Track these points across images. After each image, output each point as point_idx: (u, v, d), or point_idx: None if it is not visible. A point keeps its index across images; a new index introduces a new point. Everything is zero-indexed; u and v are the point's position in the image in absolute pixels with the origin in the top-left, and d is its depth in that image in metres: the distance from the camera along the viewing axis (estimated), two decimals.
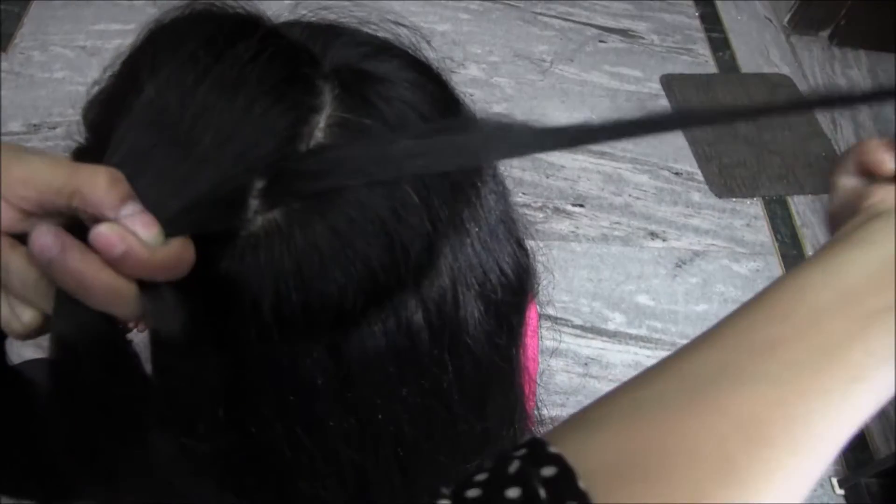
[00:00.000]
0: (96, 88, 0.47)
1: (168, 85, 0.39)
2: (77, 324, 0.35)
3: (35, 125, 2.21)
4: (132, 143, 0.38)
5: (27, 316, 0.37)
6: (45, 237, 0.34)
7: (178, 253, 0.35)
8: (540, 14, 2.78)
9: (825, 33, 2.84)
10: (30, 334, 0.38)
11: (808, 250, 2.22)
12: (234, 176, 0.38)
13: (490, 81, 2.47)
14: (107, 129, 0.40)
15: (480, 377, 0.47)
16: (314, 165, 0.39)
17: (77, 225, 0.35)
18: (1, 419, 0.43)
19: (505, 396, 0.53)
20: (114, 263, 0.34)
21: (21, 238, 0.36)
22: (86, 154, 0.42)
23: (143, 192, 0.35)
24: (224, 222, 0.38)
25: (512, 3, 2.80)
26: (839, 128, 2.54)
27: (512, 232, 0.48)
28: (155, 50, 0.43)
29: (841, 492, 1.79)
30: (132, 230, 0.34)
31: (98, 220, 0.34)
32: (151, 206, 0.35)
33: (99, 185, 0.35)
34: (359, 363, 0.41)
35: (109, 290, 0.34)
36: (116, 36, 2.46)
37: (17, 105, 2.24)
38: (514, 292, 0.47)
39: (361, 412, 0.43)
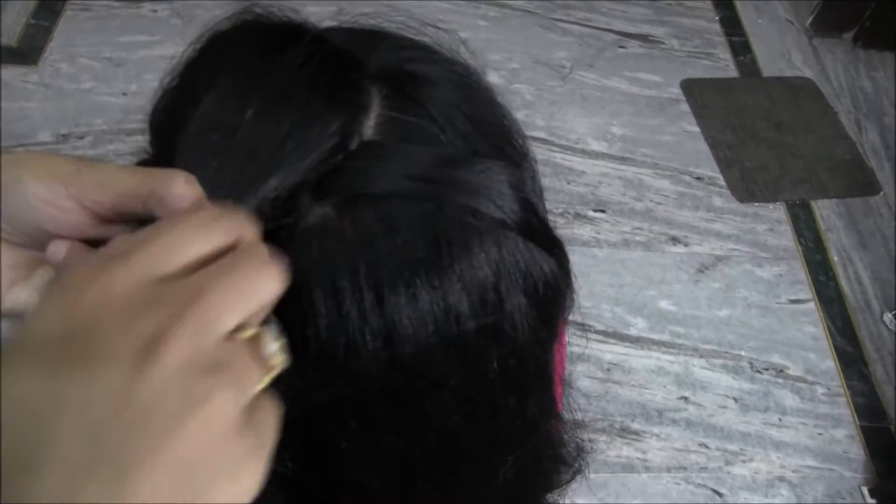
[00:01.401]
0: (156, 99, 0.49)
1: (225, 94, 0.42)
2: None
3: (63, 135, 2.24)
4: (196, 151, 0.40)
5: None
6: None
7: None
8: (559, 20, 2.78)
9: (849, 35, 2.82)
10: None
11: (833, 254, 2.21)
12: (295, 174, 0.40)
13: (510, 88, 2.47)
14: (170, 140, 0.42)
15: (522, 369, 0.48)
16: (365, 161, 0.41)
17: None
18: None
19: (544, 390, 0.53)
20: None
21: (92, 244, 0.38)
22: (152, 164, 0.44)
23: (210, 197, 0.37)
24: (280, 219, 0.40)
25: (530, 9, 2.80)
26: (864, 130, 2.52)
27: (549, 229, 0.49)
28: (209, 61, 0.46)
29: (873, 501, 1.77)
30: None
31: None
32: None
33: (176, 186, 0.36)
34: (410, 352, 0.42)
35: None
36: (141, 47, 2.50)
37: (46, 116, 2.28)
38: (554, 286, 0.48)
39: (410, 401, 0.44)
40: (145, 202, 0.36)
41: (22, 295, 0.41)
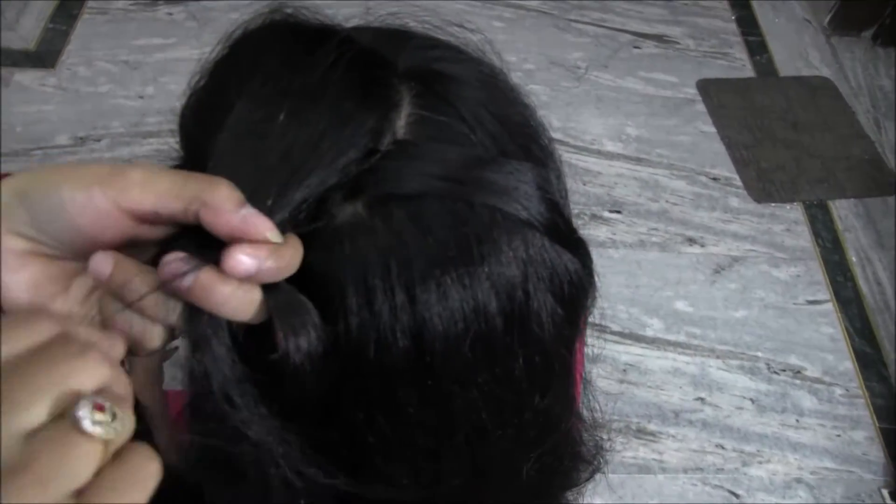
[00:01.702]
0: (185, 99, 0.49)
1: (257, 96, 0.42)
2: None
3: (81, 138, 2.25)
4: (231, 154, 0.41)
5: (157, 332, 0.40)
6: (175, 264, 0.37)
7: (295, 253, 0.38)
8: (574, 21, 2.77)
9: (868, 33, 2.80)
10: (160, 349, 0.41)
11: (851, 255, 2.19)
12: (331, 174, 0.40)
13: (525, 89, 2.43)
14: (202, 142, 0.43)
15: (547, 367, 0.48)
16: (397, 160, 0.42)
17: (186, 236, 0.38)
18: None
19: (567, 388, 0.54)
20: (253, 280, 0.37)
21: (132, 244, 0.39)
22: (185, 168, 0.44)
23: (248, 200, 0.38)
24: (313, 218, 0.41)
25: (545, 10, 2.80)
26: (883, 129, 2.50)
27: (574, 229, 0.50)
28: (240, 63, 0.47)
29: (892, 503, 1.76)
30: (256, 227, 0.37)
31: (214, 228, 0.37)
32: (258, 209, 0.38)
33: (222, 190, 0.37)
34: (440, 350, 0.43)
35: (241, 303, 0.37)
36: (157, 50, 2.51)
37: (64, 119, 2.30)
38: (578, 285, 0.48)
39: (439, 398, 0.45)
40: (188, 205, 0.37)
41: (63, 309, 0.41)
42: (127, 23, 2.60)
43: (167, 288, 0.37)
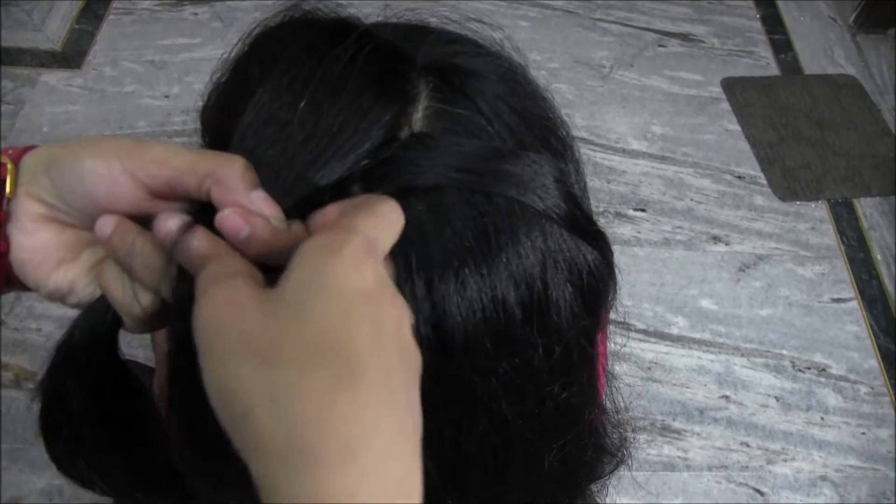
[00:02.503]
0: (206, 94, 0.50)
1: (277, 88, 0.43)
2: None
3: None
4: (250, 141, 0.41)
5: (146, 300, 0.40)
6: (171, 221, 0.38)
7: (299, 237, 0.38)
8: (599, 20, 2.77)
9: (893, 31, 2.78)
10: (145, 322, 0.41)
11: (876, 253, 2.18)
12: (348, 164, 0.41)
13: (550, 88, 2.40)
14: (223, 133, 0.44)
15: (567, 357, 0.49)
16: (414, 151, 0.42)
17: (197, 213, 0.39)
18: (115, 412, 0.45)
19: (588, 379, 0.54)
20: (239, 246, 0.37)
21: (142, 223, 0.40)
22: None
23: (265, 185, 0.39)
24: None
25: (571, 9, 2.80)
26: None
27: (593, 221, 0.50)
28: (262, 56, 0.47)
29: None
30: (261, 211, 0.37)
31: (222, 205, 0.38)
32: (272, 195, 0.39)
33: (235, 168, 0.38)
34: (460, 340, 0.43)
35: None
36: (183, 50, 2.54)
37: (90, 119, 2.32)
38: (598, 277, 0.49)
39: (461, 388, 0.45)
40: (202, 181, 0.38)
41: (68, 275, 0.42)
42: (152, 23, 2.63)
43: (163, 246, 0.38)
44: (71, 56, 2.50)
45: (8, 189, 0.40)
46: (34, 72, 2.44)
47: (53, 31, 2.57)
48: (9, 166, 0.40)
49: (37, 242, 0.41)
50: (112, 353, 0.44)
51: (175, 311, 0.39)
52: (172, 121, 2.32)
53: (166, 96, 2.40)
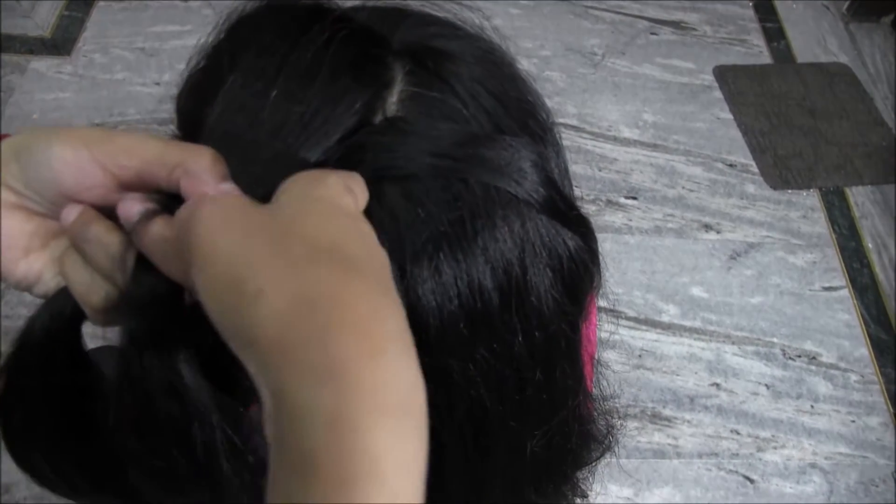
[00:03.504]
0: (182, 81, 0.50)
1: (250, 75, 0.42)
2: (150, 293, 0.37)
3: (97, 125, 2.26)
4: (222, 130, 0.41)
5: (105, 289, 0.39)
6: (133, 204, 0.37)
7: None
8: (591, 7, 2.77)
9: (888, 19, 2.77)
10: (104, 313, 0.40)
11: (868, 242, 2.19)
12: (321, 150, 0.40)
13: (542, 76, 2.46)
14: (197, 118, 0.43)
15: (549, 343, 0.49)
16: (388, 136, 0.42)
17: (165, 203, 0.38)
18: (73, 405, 0.44)
19: (571, 365, 0.54)
20: None
21: (111, 217, 0.39)
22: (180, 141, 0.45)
23: (234, 174, 0.38)
24: None
25: None
26: None
27: (574, 206, 0.49)
28: (235, 43, 0.47)
29: None
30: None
31: (191, 196, 0.37)
32: (243, 187, 0.38)
33: (204, 160, 0.37)
34: (435, 325, 0.43)
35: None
36: (173, 37, 2.52)
37: (80, 106, 2.31)
38: (579, 262, 0.48)
39: (437, 374, 0.45)
40: (171, 172, 0.37)
41: (36, 264, 0.42)
42: (142, 10, 2.61)
43: (124, 229, 0.38)
44: (61, 43, 2.49)
45: None
46: (24, 59, 2.43)
47: (43, 17, 2.55)
48: None
49: (4, 229, 0.40)
50: (73, 342, 0.43)
51: (129, 301, 0.38)
52: (163, 108, 2.27)
53: (157, 84, 2.39)
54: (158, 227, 0.36)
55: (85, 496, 0.47)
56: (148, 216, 0.37)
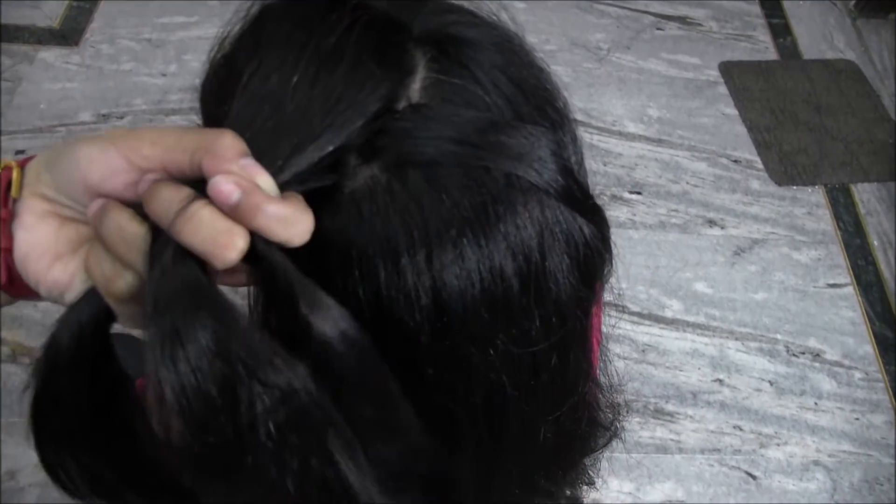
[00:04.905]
0: (203, 73, 0.50)
1: (272, 62, 0.43)
2: (173, 280, 0.36)
3: (104, 115, 2.27)
4: (246, 119, 0.41)
5: (129, 277, 0.39)
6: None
7: (293, 207, 0.37)
8: (596, 2, 2.76)
9: (894, 15, 2.77)
10: (127, 304, 0.40)
11: (873, 239, 2.18)
12: (345, 135, 0.40)
13: None
14: (220, 109, 0.43)
15: (564, 328, 0.49)
16: (412, 122, 0.42)
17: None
18: (105, 407, 0.44)
19: (583, 351, 0.54)
20: (230, 213, 0.36)
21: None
22: None
23: (261, 157, 0.38)
24: (324, 180, 0.41)
25: None
26: None
27: (589, 194, 0.50)
28: (257, 32, 0.47)
29: None
30: (250, 178, 0.37)
31: (212, 175, 0.37)
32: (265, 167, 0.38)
33: (224, 140, 0.38)
34: (457, 310, 0.43)
35: (220, 235, 0.35)
36: (180, 28, 2.53)
37: (87, 96, 2.32)
38: (594, 248, 0.49)
39: (458, 359, 0.46)
40: (193, 155, 0.38)
41: (67, 270, 0.43)
42: (150, 1, 2.61)
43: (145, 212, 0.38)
44: (69, 33, 2.49)
45: (14, 190, 0.42)
46: (32, 49, 2.43)
47: (51, 8, 2.56)
48: (14, 169, 0.42)
49: (36, 237, 0.42)
50: (103, 342, 0.43)
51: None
52: (169, 99, 2.31)
53: (164, 74, 2.39)
54: (168, 190, 0.37)
55: (109, 499, 0.47)
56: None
